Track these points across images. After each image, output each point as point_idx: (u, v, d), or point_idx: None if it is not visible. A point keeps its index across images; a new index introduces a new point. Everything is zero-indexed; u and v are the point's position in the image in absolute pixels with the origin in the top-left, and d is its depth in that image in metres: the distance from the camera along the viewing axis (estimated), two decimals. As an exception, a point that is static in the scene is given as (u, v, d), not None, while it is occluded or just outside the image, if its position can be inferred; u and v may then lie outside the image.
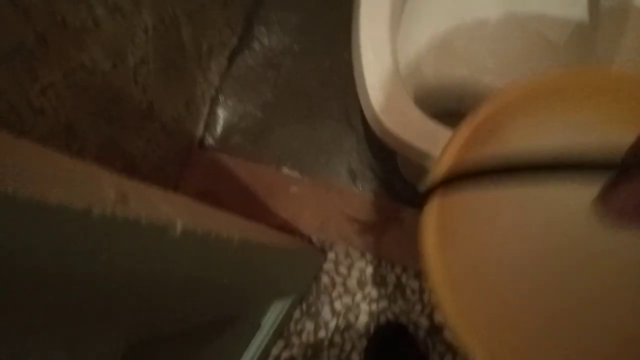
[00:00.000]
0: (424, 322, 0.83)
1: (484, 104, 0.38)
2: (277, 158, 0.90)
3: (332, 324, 0.85)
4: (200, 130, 0.91)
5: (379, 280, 0.85)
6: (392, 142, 0.57)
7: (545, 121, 0.39)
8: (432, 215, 0.36)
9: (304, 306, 0.86)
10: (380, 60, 0.56)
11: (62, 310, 0.19)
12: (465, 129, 0.37)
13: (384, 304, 0.85)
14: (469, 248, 0.41)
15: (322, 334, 0.85)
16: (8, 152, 0.16)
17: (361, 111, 0.74)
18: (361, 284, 0.86)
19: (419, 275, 0.84)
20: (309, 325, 0.85)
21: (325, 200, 0.86)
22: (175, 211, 0.25)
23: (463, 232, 0.41)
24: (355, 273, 0.86)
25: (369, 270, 0.86)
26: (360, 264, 0.86)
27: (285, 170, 0.89)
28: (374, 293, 0.85)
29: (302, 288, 0.83)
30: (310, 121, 0.90)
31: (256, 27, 0.93)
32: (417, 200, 0.33)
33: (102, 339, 0.24)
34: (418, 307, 0.84)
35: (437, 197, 0.36)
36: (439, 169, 0.35)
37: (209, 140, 0.91)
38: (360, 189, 0.87)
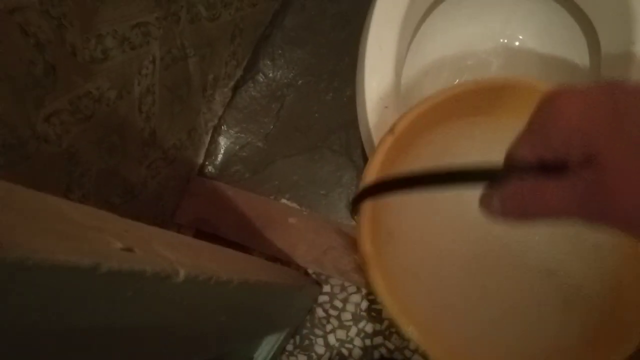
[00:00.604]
0: (418, 359, 0.82)
1: (398, 122, 0.45)
2: (276, 189, 0.90)
3: (325, 358, 0.84)
4: (201, 158, 0.92)
5: (375, 315, 0.85)
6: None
7: (449, 129, 0.46)
8: (365, 222, 0.44)
9: (297, 339, 0.85)
10: (383, 101, 0.58)
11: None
12: (383, 145, 0.44)
13: (378, 339, 0.84)
14: (403, 248, 0.47)
15: (314, 368, 0.84)
16: (19, 207, 0.16)
17: (361, 146, 0.75)
18: (356, 319, 0.85)
19: (414, 312, 0.84)
20: (302, 359, 0.84)
21: (323, 233, 0.86)
22: (178, 257, 0.25)
23: (396, 235, 0.47)
24: (350, 307, 0.86)
25: (364, 304, 0.85)
26: (355, 298, 0.86)
27: (284, 201, 0.89)
28: (368, 328, 0.85)
29: (296, 321, 0.82)
30: (310, 154, 0.91)
31: (261, 61, 0.95)
32: (350, 210, 0.40)
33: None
34: (413, 344, 0.83)
35: (367, 207, 0.44)
36: (363, 181, 0.43)
37: (209, 169, 0.92)
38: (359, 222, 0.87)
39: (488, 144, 0.49)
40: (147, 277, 0.21)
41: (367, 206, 0.43)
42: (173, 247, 0.26)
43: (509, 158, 0.25)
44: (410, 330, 0.43)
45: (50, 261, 0.14)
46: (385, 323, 0.84)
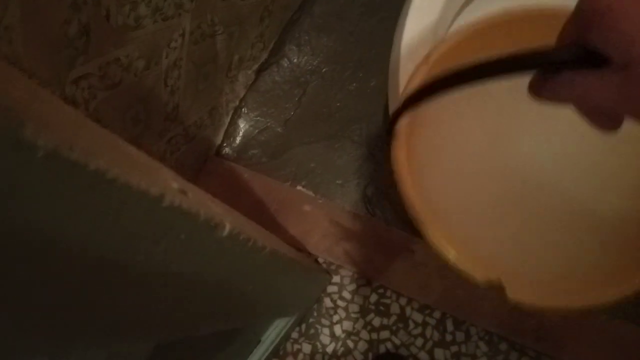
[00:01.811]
0: (424, 356, 0.81)
1: (432, 52, 0.44)
2: (292, 175, 0.90)
3: (330, 349, 0.83)
4: (219, 138, 0.91)
5: (383, 310, 0.84)
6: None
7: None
8: (401, 137, 0.42)
9: (303, 327, 0.84)
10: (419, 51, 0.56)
11: (110, 305, 0.19)
12: (417, 74, 0.43)
13: (385, 333, 0.83)
14: (435, 157, 0.46)
15: (318, 357, 0.83)
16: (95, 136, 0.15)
17: (382, 139, 0.74)
18: (364, 311, 0.84)
19: (424, 308, 0.83)
20: (306, 347, 0.84)
21: (337, 223, 0.85)
22: (223, 212, 0.24)
23: (432, 158, 0.46)
24: (358, 299, 0.85)
25: (373, 298, 0.85)
26: (364, 290, 0.85)
27: (300, 188, 0.89)
28: (376, 322, 0.84)
29: (304, 308, 0.81)
30: (330, 142, 0.91)
31: (287, 45, 0.94)
32: (386, 130, 0.39)
33: (136, 339, 0.23)
34: (419, 341, 0.82)
35: (403, 125, 0.42)
36: (401, 101, 0.41)
37: (227, 150, 0.91)
38: (373, 215, 0.86)
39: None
40: (199, 223, 0.20)
41: (403, 124, 0.42)
42: (218, 203, 0.26)
43: (559, 41, 0.25)
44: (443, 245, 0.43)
45: (124, 181, 0.14)
46: (393, 318, 0.83)
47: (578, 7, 0.23)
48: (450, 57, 0.48)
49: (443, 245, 0.44)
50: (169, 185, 0.19)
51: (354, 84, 0.92)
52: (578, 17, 0.23)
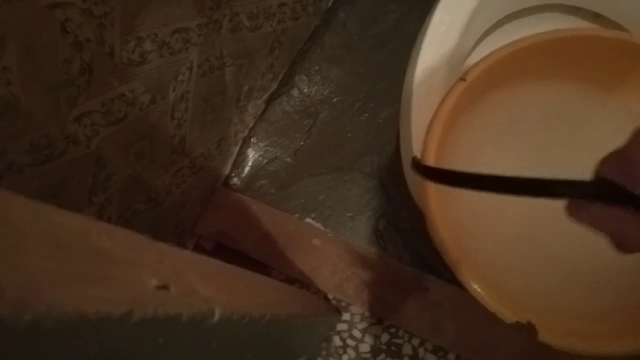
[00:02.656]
0: (436, 402, 0.78)
1: (471, 70, 0.42)
2: (301, 207, 0.87)
3: (339, 391, 0.80)
4: (227, 169, 0.89)
5: (394, 350, 0.80)
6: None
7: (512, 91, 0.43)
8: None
9: (311, 367, 0.81)
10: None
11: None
12: (454, 92, 0.41)
13: (395, 376, 0.80)
14: (465, 203, 0.44)
15: (326, 400, 0.80)
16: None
17: (394, 172, 0.72)
18: (375, 351, 0.81)
19: (438, 350, 0.79)
20: (314, 389, 0.80)
21: (347, 258, 0.82)
22: (213, 293, 0.22)
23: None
24: (369, 339, 0.81)
25: (385, 337, 0.81)
26: (375, 329, 0.82)
27: (309, 220, 0.86)
28: (386, 363, 0.80)
29: (312, 350, 0.78)
30: (340, 174, 0.88)
31: (298, 75, 0.93)
32: (414, 166, 0.36)
33: None
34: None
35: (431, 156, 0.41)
36: (430, 126, 0.40)
37: (235, 181, 0.89)
38: (385, 250, 0.83)
39: (556, 110, 0.46)
40: (182, 322, 0.18)
41: (431, 158, 0.40)
42: (207, 279, 0.23)
43: (597, 172, 0.25)
44: (473, 284, 0.40)
45: (77, 314, 0.12)
46: (405, 359, 0.80)
47: (626, 152, 0.23)
48: (488, 76, 0.46)
49: (475, 284, 0.41)
50: (146, 286, 0.17)
51: (365, 115, 0.90)
52: (623, 162, 0.23)
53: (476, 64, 0.42)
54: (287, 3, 0.80)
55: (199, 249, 0.86)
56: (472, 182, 0.28)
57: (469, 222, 0.44)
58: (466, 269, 0.42)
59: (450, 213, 0.43)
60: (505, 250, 0.48)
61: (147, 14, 0.60)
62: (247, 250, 0.83)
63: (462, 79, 0.41)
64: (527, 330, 0.42)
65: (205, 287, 0.22)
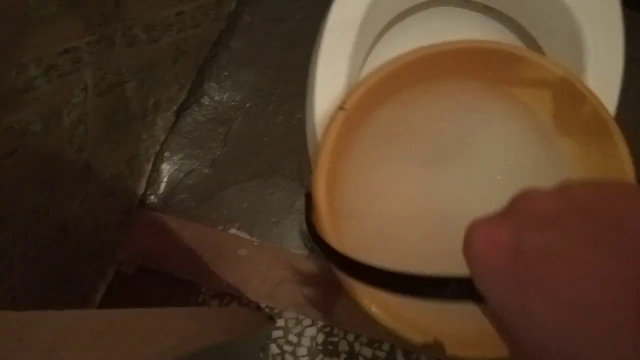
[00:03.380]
0: (376, 393, 0.80)
1: (348, 98, 0.43)
2: (225, 218, 0.85)
3: (281, 397, 0.80)
4: (142, 188, 0.85)
5: (331, 349, 0.81)
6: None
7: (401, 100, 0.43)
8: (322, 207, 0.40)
9: (251, 378, 0.80)
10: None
11: None
12: (335, 122, 0.42)
13: (335, 373, 0.81)
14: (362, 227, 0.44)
15: (269, 409, 0.80)
16: None
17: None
18: (312, 353, 0.81)
19: (372, 342, 0.81)
20: (256, 400, 0.80)
21: (276, 265, 0.82)
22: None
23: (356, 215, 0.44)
24: (305, 341, 0.82)
25: (320, 337, 0.82)
26: (311, 331, 0.82)
27: (234, 231, 0.85)
28: (325, 362, 0.81)
29: (248, 361, 0.77)
30: (261, 180, 0.87)
31: (207, 83, 0.90)
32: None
33: None
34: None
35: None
36: (316, 166, 0.40)
37: (151, 199, 0.86)
38: (312, 251, 0.84)
39: (440, 111, 0.47)
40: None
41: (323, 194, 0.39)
42: (87, 348, 0.22)
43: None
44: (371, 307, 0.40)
45: None
46: (343, 356, 0.81)
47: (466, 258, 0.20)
48: (367, 101, 0.47)
49: (377, 310, 0.41)
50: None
51: (280, 117, 0.90)
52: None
53: (353, 91, 0.43)
54: (186, 11, 0.77)
55: (120, 275, 0.82)
56: (364, 276, 0.27)
57: (365, 241, 0.45)
58: (362, 292, 0.42)
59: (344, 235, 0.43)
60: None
61: (29, 38, 0.55)
62: (172, 270, 0.80)
63: (342, 108, 0.42)
64: (435, 350, 0.42)
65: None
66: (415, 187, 0.47)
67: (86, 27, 0.62)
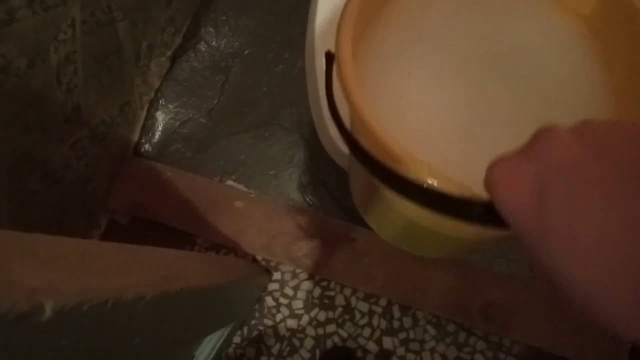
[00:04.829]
0: (372, 346, 0.79)
1: None
2: (221, 169, 0.83)
3: (276, 349, 0.79)
4: (136, 135, 0.83)
5: (327, 303, 0.80)
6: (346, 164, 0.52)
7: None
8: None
9: (245, 330, 0.80)
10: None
11: None
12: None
13: (331, 327, 0.80)
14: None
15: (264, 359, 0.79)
16: None
17: (314, 123, 0.68)
18: (308, 307, 0.80)
19: (369, 297, 0.80)
20: (250, 351, 0.79)
21: (272, 217, 0.80)
22: (51, 280, 0.19)
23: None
24: (301, 295, 0.81)
25: (317, 291, 0.81)
26: (307, 285, 0.81)
27: (230, 182, 0.82)
28: (321, 316, 0.80)
29: (243, 313, 0.77)
30: (259, 131, 0.84)
31: (203, 28, 0.86)
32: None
33: None
34: (367, 331, 0.79)
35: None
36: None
37: (146, 147, 0.83)
38: (311, 204, 0.81)
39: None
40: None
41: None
42: (48, 264, 0.20)
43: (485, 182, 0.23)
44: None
45: None
46: (339, 310, 0.80)
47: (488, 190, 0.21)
48: None
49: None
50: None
51: (280, 66, 0.86)
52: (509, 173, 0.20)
53: None
54: (180, -53, 0.73)
55: (114, 225, 0.80)
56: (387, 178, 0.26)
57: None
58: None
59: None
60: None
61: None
62: (167, 220, 0.79)
63: None
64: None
65: (38, 273, 0.18)
66: (439, 98, 0.40)
67: (72, -44, 0.58)
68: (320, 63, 0.52)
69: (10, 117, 0.59)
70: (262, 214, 0.80)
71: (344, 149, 0.52)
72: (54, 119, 0.65)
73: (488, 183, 0.21)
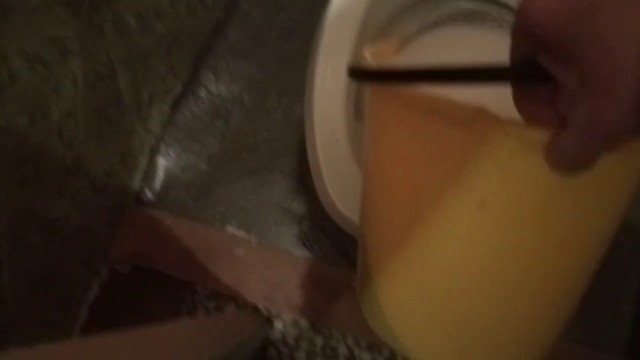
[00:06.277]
0: (377, 398, 0.77)
1: None
2: (221, 215, 0.82)
3: (278, 401, 0.77)
4: (136, 183, 0.82)
5: (330, 353, 0.79)
6: (348, 228, 0.52)
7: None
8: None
9: (247, 381, 0.78)
10: (334, 134, 0.51)
11: None
12: None
13: (334, 377, 0.78)
14: None
15: (266, 413, 0.77)
16: None
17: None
18: (310, 357, 0.79)
19: (372, 347, 0.79)
20: (252, 403, 0.77)
21: (273, 265, 0.79)
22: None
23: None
24: (303, 345, 0.79)
25: (319, 341, 0.79)
26: (309, 334, 0.79)
27: (231, 229, 0.82)
28: (324, 366, 0.78)
29: (244, 365, 0.75)
30: (259, 177, 0.84)
31: (203, 74, 0.87)
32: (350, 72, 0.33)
33: None
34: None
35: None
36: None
37: (147, 195, 0.83)
38: (311, 252, 0.81)
39: None
40: None
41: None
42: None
43: (512, 55, 0.25)
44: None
45: None
46: (342, 360, 0.78)
47: (522, 24, 0.23)
48: None
49: None
50: None
51: (279, 111, 0.86)
52: (526, 34, 0.23)
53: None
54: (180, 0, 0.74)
55: (114, 274, 0.79)
56: (406, 76, 0.29)
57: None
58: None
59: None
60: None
61: (10, 28, 0.52)
62: (167, 269, 0.78)
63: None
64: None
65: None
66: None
67: (73, 13, 0.59)
68: (320, 139, 0.52)
69: (9, 174, 0.58)
70: (263, 262, 0.79)
71: (345, 211, 0.51)
72: (54, 172, 0.65)
73: (522, 11, 0.22)
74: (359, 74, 0.33)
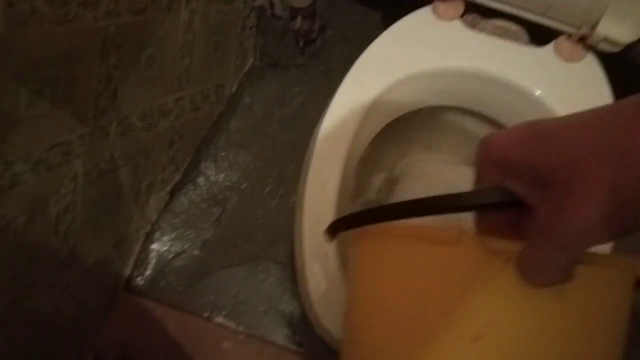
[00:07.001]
0: None
1: None
2: (211, 304, 0.82)
3: None
4: (128, 269, 0.83)
5: None
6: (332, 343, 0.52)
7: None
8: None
9: None
10: (322, 247, 0.53)
11: None
12: None
13: None
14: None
15: None
16: None
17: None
18: None
19: None
20: None
21: (261, 360, 0.78)
22: None
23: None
24: None
25: None
26: None
27: (220, 319, 0.81)
28: None
29: None
30: (252, 265, 0.85)
31: (203, 162, 0.89)
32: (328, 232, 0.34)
33: None
34: None
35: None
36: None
37: (137, 281, 0.83)
38: (301, 347, 0.80)
39: None
40: None
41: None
42: None
43: (477, 182, 0.27)
44: None
45: None
46: None
47: (486, 156, 0.25)
48: None
49: None
50: None
51: (275, 200, 0.88)
52: (490, 164, 0.25)
53: None
54: (185, 97, 0.77)
55: (98, 363, 0.78)
56: (377, 216, 0.29)
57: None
58: None
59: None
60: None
61: (17, 136, 0.54)
62: (152, 361, 0.77)
63: None
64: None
65: None
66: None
67: (80, 121, 0.61)
68: (310, 263, 0.54)
69: (2, 271, 0.59)
70: (249, 357, 0.78)
71: (330, 327, 0.52)
72: (47, 266, 0.66)
73: (483, 148, 0.24)
74: (335, 226, 0.34)
